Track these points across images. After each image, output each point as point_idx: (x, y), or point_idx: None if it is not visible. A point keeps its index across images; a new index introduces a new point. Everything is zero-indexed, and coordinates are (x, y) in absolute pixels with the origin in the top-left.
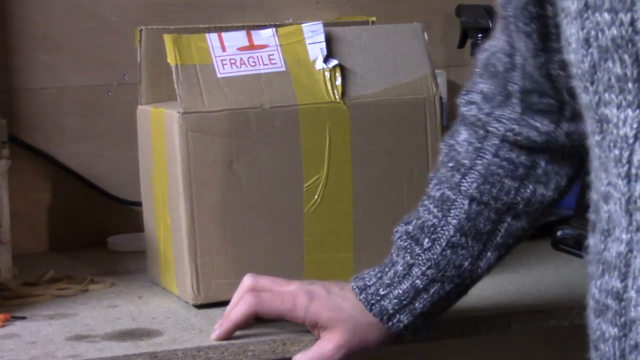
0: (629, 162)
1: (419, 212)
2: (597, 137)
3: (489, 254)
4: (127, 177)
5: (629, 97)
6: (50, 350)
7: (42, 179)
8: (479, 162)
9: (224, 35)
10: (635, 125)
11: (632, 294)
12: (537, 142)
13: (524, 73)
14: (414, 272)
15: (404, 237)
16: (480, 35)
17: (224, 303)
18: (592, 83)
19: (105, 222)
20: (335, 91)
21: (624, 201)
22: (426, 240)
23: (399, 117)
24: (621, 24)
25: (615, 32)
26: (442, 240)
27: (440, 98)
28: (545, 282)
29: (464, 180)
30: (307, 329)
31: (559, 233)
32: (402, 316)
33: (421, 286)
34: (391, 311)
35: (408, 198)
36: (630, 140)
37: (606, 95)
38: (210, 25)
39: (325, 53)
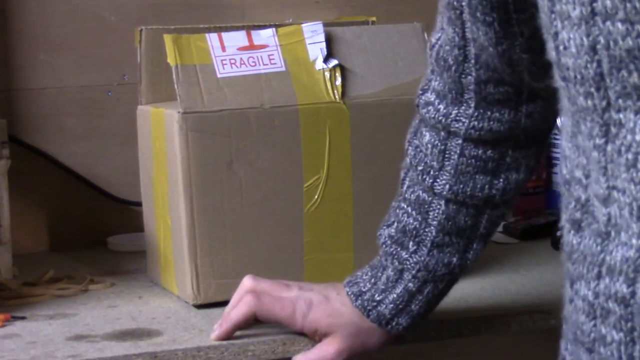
0: None
1: (398, 215)
2: (599, 141)
3: (474, 245)
4: (127, 177)
5: None
6: (50, 350)
7: (42, 179)
8: (446, 163)
9: (224, 35)
10: None
11: None
12: (500, 132)
13: (478, 63)
14: (405, 276)
15: (389, 242)
16: None
17: (224, 303)
18: (598, 89)
19: (105, 222)
20: (335, 91)
21: (636, 207)
22: (411, 243)
23: (398, 117)
24: (638, 35)
25: (631, 43)
26: (426, 242)
27: None
28: (545, 282)
29: (436, 183)
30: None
31: (559, 233)
32: (400, 319)
33: (414, 289)
34: (388, 316)
35: None
36: None
37: (620, 101)
38: (210, 25)
39: (325, 53)
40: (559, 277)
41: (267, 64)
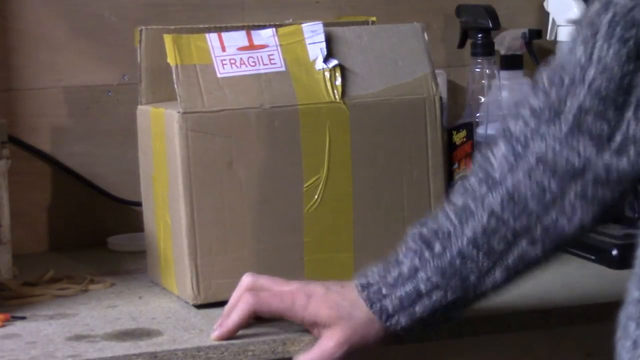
0: None
1: (437, 217)
2: None
3: (497, 273)
4: (127, 177)
5: None
6: (50, 350)
7: (42, 179)
8: (509, 178)
9: (224, 35)
10: None
11: None
12: (574, 165)
13: (590, 89)
14: (419, 275)
15: (417, 238)
16: (480, 35)
17: (223, 303)
18: None
19: (105, 222)
20: (335, 91)
21: None
22: (438, 246)
23: (399, 117)
24: None
25: None
26: (453, 248)
27: (440, 98)
28: (545, 282)
29: (489, 194)
30: (307, 329)
31: None
32: (401, 318)
33: (424, 291)
34: (391, 311)
35: (408, 198)
36: None
37: None
38: (211, 25)
39: (325, 53)
40: (559, 277)
41: (267, 64)
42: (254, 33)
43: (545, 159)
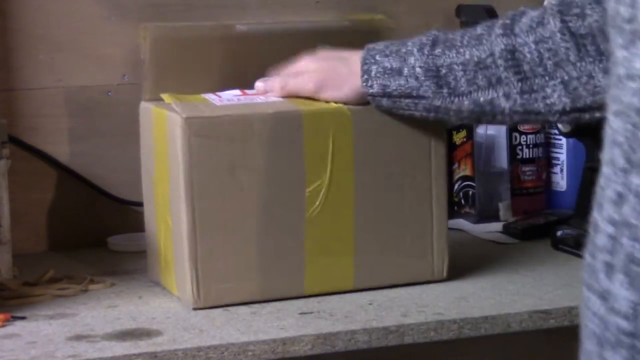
0: (619, 99)
1: (455, 32)
2: (611, 79)
3: (466, 101)
4: (127, 177)
5: (625, 38)
6: (50, 350)
7: (42, 179)
8: (522, 36)
9: (220, 93)
10: (625, 65)
11: (600, 223)
12: (569, 57)
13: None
14: (409, 60)
15: (430, 36)
16: None
17: (224, 307)
18: (613, 27)
19: (105, 222)
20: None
21: (611, 137)
22: (439, 49)
23: (401, 122)
24: None
25: None
26: (447, 59)
27: None
28: (545, 282)
29: (500, 38)
30: (307, 330)
31: (559, 233)
32: (375, 84)
33: (405, 73)
34: (373, 75)
35: (409, 202)
36: (622, 79)
37: (616, 37)
38: (213, 21)
39: None
40: (559, 277)
41: (264, 99)
42: (248, 91)
43: (554, 38)
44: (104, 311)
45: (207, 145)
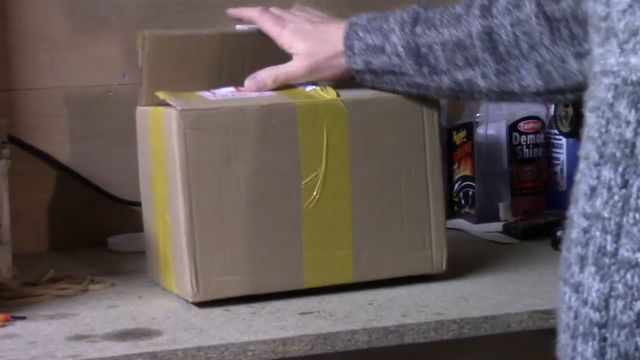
0: (594, 95)
1: (440, 8)
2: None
3: (445, 79)
4: (127, 177)
5: (600, 36)
6: (50, 350)
7: (42, 179)
8: (499, 18)
9: (214, 90)
10: (601, 62)
11: (575, 217)
12: (542, 40)
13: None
14: (392, 38)
15: (411, 13)
16: None
17: (223, 300)
18: (590, 25)
19: (105, 222)
20: (331, 94)
21: (586, 132)
22: (420, 28)
23: (396, 114)
24: None
25: None
26: (427, 38)
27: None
28: (545, 282)
29: (477, 19)
30: (308, 330)
31: (559, 233)
32: (359, 60)
33: (387, 51)
34: (356, 51)
35: (406, 196)
36: (597, 76)
37: (593, 35)
38: (212, 29)
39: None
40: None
41: (257, 95)
42: (242, 88)
43: (529, 21)
44: (104, 311)
45: (202, 137)
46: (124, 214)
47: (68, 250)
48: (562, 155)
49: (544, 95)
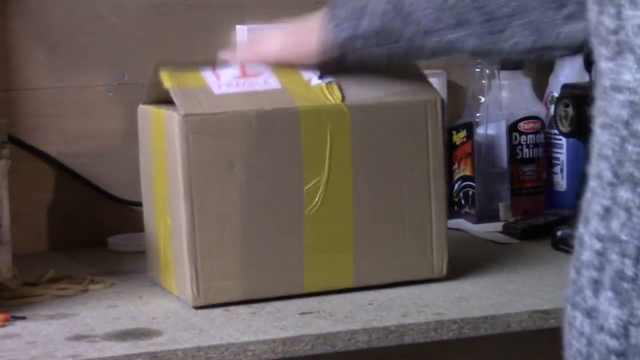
0: (606, 111)
1: None
2: (596, 90)
3: (432, 39)
4: (127, 177)
5: (610, 50)
6: (50, 350)
7: (42, 179)
8: None
9: (218, 70)
10: (611, 76)
11: (586, 238)
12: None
13: None
14: (370, 6)
15: None
16: None
17: (223, 305)
18: (596, 37)
19: (105, 222)
20: (335, 97)
21: (597, 149)
22: None
23: (400, 119)
24: None
25: None
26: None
27: (442, 100)
28: (545, 282)
29: None
30: (308, 330)
31: (559, 233)
32: (346, 25)
33: (371, 11)
34: (343, 16)
35: (408, 200)
36: (608, 91)
37: (600, 48)
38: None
39: (319, 74)
40: (559, 277)
41: (263, 85)
42: (247, 71)
43: None
44: (104, 311)
45: (205, 142)
46: (124, 214)
47: (68, 250)
48: (562, 155)
49: (535, 52)
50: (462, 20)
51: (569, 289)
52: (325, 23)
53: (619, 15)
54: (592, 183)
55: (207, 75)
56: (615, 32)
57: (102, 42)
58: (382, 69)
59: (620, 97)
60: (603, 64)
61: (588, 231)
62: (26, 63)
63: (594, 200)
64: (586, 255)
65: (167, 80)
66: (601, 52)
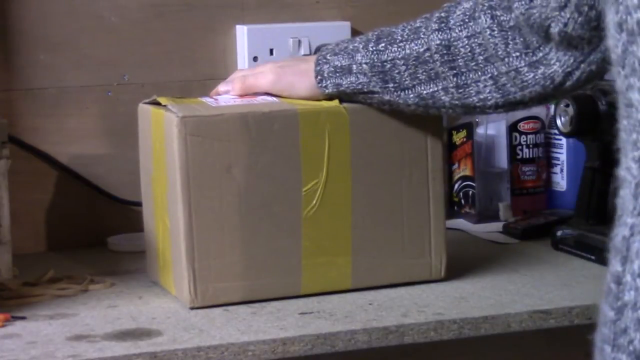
0: None
1: (398, 25)
2: (624, 122)
3: (411, 94)
4: (127, 177)
5: None
6: (50, 350)
7: (42, 179)
8: (457, 30)
9: (217, 97)
10: None
11: (628, 277)
12: (497, 53)
13: (534, 5)
14: (356, 57)
15: (376, 31)
16: None
17: (221, 306)
18: (622, 67)
19: (105, 222)
20: (333, 100)
21: (634, 185)
22: (383, 44)
23: (398, 121)
24: None
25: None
26: (390, 54)
27: None
28: (545, 282)
29: (436, 33)
30: (308, 330)
31: (559, 233)
32: (329, 84)
33: (354, 70)
34: (325, 75)
35: (407, 202)
36: None
37: (631, 79)
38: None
39: None
40: (559, 277)
41: (260, 100)
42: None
43: (484, 34)
44: (104, 311)
45: (203, 144)
46: (124, 214)
47: (68, 250)
48: (562, 155)
49: (504, 107)
50: (434, 75)
51: (606, 329)
52: (310, 75)
53: None
54: (632, 220)
55: (205, 99)
56: None
57: (102, 42)
58: None
59: None
60: (636, 96)
61: (631, 270)
62: (26, 63)
63: (636, 239)
64: (630, 296)
65: (164, 100)
66: (632, 84)
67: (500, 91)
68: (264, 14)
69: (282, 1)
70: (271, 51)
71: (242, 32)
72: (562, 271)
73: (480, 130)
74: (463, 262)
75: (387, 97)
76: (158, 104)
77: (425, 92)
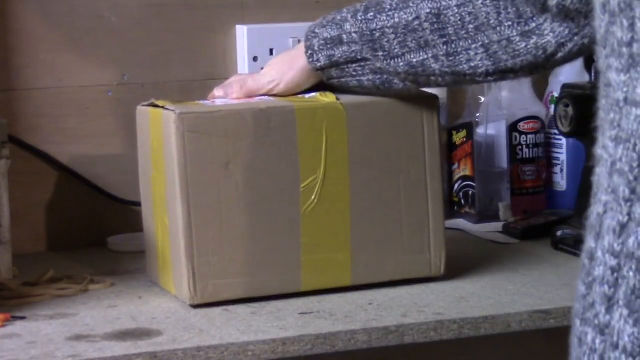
0: (619, 125)
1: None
2: (603, 101)
3: (401, 63)
4: (127, 177)
5: (622, 62)
6: (50, 350)
7: (42, 179)
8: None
9: (215, 100)
10: (625, 89)
11: (599, 253)
12: (489, 22)
13: None
14: (345, 27)
15: (365, 2)
16: None
17: (221, 303)
18: (604, 47)
19: (105, 222)
20: (330, 97)
21: (610, 163)
22: (371, 13)
23: (396, 117)
24: None
25: None
26: (379, 22)
27: (437, 97)
28: (545, 282)
29: (425, 1)
30: (307, 330)
31: (559, 233)
32: (321, 56)
33: (345, 40)
34: (316, 48)
35: (405, 198)
36: (621, 104)
37: (610, 59)
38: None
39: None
40: (559, 277)
41: (257, 100)
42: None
43: (475, 2)
44: (104, 311)
45: (201, 140)
46: (124, 214)
47: (68, 250)
48: (562, 155)
49: (494, 75)
50: (424, 43)
51: (577, 304)
52: (302, 53)
53: (632, 28)
54: (606, 197)
55: (203, 102)
56: (629, 44)
57: (102, 42)
58: None
59: (637, 111)
60: (614, 76)
61: (602, 247)
62: (26, 63)
63: (608, 216)
64: (599, 271)
65: (161, 102)
66: (611, 64)
67: (491, 59)
68: (264, 14)
69: (282, 1)
70: (271, 51)
71: (242, 32)
72: (562, 271)
73: (480, 130)
74: (463, 262)
75: (378, 65)
76: (156, 106)
77: (415, 60)
